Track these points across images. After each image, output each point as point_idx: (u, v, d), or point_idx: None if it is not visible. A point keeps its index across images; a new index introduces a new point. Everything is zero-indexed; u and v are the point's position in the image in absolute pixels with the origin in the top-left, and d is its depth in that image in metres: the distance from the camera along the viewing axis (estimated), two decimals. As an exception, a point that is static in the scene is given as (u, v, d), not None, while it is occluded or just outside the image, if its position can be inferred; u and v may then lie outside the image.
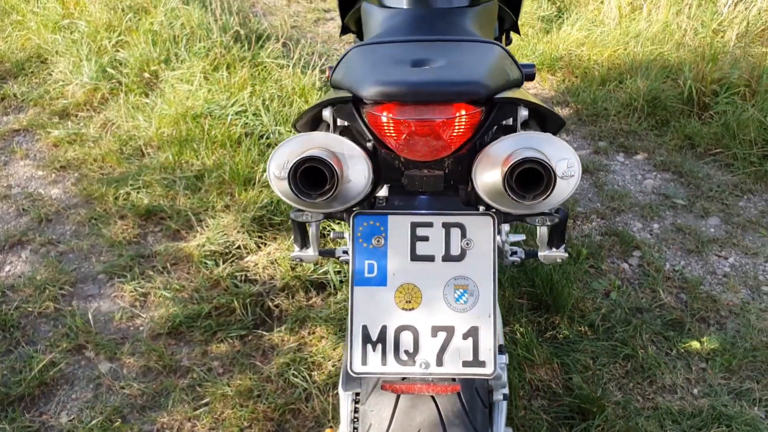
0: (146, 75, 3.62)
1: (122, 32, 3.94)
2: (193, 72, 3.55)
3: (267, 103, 3.36)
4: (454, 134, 1.11)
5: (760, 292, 2.61)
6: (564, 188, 1.11)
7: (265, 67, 3.68)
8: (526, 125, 1.28)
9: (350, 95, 1.17)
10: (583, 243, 2.80)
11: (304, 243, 1.53)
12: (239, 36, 3.92)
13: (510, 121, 1.23)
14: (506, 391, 1.44)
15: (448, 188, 1.23)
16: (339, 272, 2.49)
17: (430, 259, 1.17)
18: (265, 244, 2.64)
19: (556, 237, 1.40)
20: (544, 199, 1.06)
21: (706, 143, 3.54)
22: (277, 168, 1.15)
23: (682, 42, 4.28)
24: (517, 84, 1.30)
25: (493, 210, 1.18)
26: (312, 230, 1.53)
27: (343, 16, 2.24)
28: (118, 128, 3.34)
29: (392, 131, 1.11)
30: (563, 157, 1.10)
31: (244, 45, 3.83)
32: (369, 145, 1.23)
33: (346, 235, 2.01)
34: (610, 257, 2.76)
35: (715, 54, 3.73)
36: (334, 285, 2.44)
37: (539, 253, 1.46)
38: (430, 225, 1.17)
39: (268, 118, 3.26)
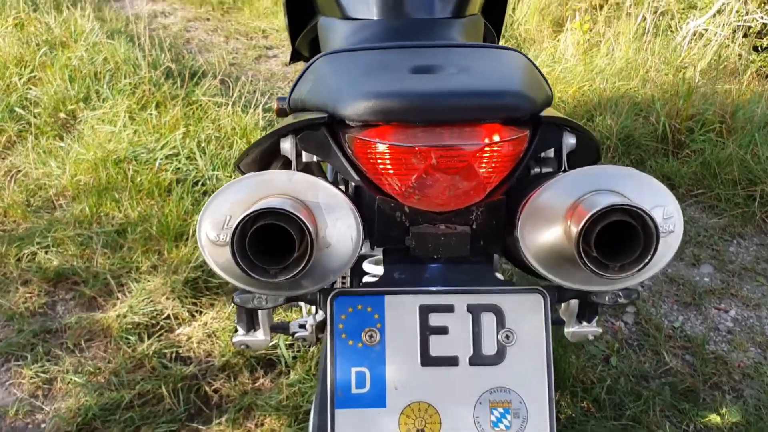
0: (62, 115, 3.17)
1: (35, 68, 3.47)
2: (116, 111, 3.11)
3: (203, 144, 2.94)
4: (490, 169, 0.72)
5: (772, 350, 2.32)
6: (663, 251, 0.73)
7: (201, 105, 3.26)
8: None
9: (323, 115, 0.78)
10: (572, 299, 2.45)
11: (251, 325, 1.12)
12: (171, 72, 3.51)
13: (551, 153, 0.86)
14: None
15: (475, 252, 0.83)
16: (291, 346, 2.07)
17: (451, 362, 0.77)
18: (201, 312, 2.21)
19: (589, 308, 1.03)
20: (639, 269, 0.68)
21: (687, 184, 3.29)
22: (212, 228, 0.74)
23: (647, 78, 4.10)
24: (549, 103, 0.94)
25: (543, 284, 0.80)
26: (263, 307, 1.12)
27: (293, 39, 1.90)
28: (26, 176, 2.86)
29: (394, 166, 0.72)
30: (657, 204, 0.73)
31: (176, 82, 3.42)
32: (351, 188, 0.84)
33: (302, 303, 1.61)
34: (603, 315, 2.42)
35: (690, 90, 3.53)
36: (286, 362, 2.02)
37: (566, 330, 1.09)
38: (449, 309, 0.77)
39: (204, 162, 2.84)
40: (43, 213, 2.67)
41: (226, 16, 5.13)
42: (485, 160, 0.72)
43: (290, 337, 2.02)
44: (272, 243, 0.71)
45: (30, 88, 3.38)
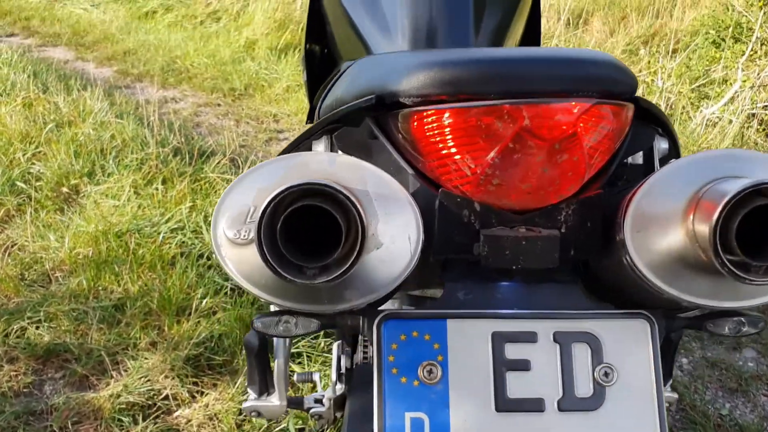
0: (64, 189, 3.05)
1: (40, 144, 3.39)
2: (121, 186, 3.00)
3: (210, 218, 2.80)
4: (594, 143, 0.57)
5: (833, 441, 2.10)
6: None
7: (209, 181, 3.16)
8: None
9: (370, 97, 0.64)
10: (609, 383, 2.25)
11: (265, 385, 0.94)
12: (179, 150, 3.43)
13: (639, 159, 0.71)
14: None
15: (564, 265, 0.66)
16: (302, 430, 1.85)
17: (535, 407, 0.59)
18: (202, 392, 2.01)
19: (665, 367, 0.85)
20: None
21: (718, 265, 3.14)
22: (231, 223, 0.58)
23: (668, 159, 4.06)
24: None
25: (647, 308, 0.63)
26: (279, 363, 0.96)
27: (311, 95, 1.80)
28: (21, 250, 2.71)
29: (467, 140, 0.57)
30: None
31: (184, 158, 3.33)
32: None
33: (317, 377, 1.43)
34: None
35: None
36: (297, 448, 1.80)
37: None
38: (531, 338, 0.60)
39: (210, 236, 2.70)
40: (37, 287, 2.50)
41: (237, 102, 5.12)
42: (589, 131, 0.57)
43: (301, 419, 1.81)
44: (307, 241, 0.54)
45: (33, 163, 3.29)
